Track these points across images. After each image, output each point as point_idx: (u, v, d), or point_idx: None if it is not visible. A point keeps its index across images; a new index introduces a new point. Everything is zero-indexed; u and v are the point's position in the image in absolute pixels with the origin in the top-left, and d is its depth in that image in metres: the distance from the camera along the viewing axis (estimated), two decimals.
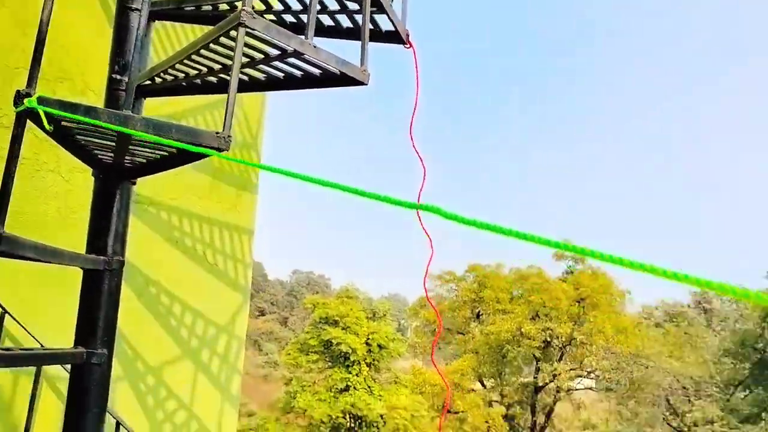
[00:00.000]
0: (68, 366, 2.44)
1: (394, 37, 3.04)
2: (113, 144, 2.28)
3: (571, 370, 24.80)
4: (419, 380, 24.20)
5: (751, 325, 25.38)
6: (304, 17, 3.01)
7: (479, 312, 26.79)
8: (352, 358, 20.53)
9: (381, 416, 18.80)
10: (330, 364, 22.29)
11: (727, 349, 25.54)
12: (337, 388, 20.82)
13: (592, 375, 26.34)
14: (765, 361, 23.61)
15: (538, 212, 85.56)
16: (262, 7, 3.01)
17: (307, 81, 2.68)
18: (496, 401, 25.85)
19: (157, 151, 2.35)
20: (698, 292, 30.43)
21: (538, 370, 24.83)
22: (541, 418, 25.86)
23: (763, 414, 22.04)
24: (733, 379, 25.18)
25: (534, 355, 25.03)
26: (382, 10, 2.92)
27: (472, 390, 24.89)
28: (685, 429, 23.83)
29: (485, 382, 26.06)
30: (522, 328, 23.82)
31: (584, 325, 24.27)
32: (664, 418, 25.05)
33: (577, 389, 26.96)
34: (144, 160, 2.46)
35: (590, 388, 28.18)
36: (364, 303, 28.36)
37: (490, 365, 25.25)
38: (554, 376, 24.19)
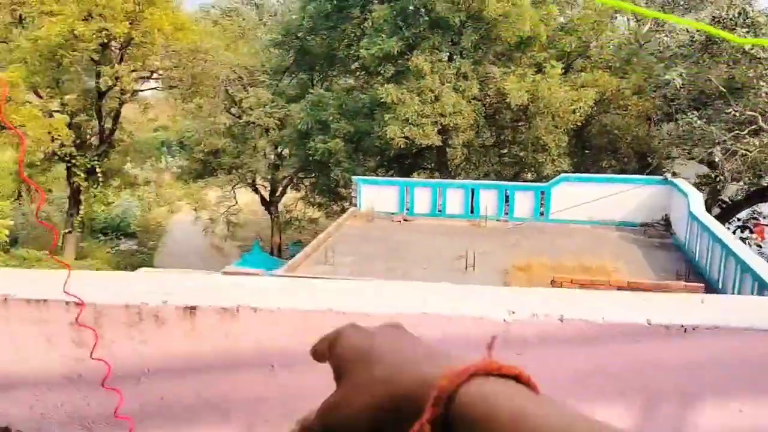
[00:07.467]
0: None
1: None
2: None
3: (133, 71, 24.74)
4: None
5: (294, 17, 28.26)
6: None
7: (21, 15, 24.54)
8: None
9: None
10: None
11: (274, 40, 28.27)
12: None
13: (156, 75, 27.28)
14: (304, 49, 26.71)
15: None
16: None
17: None
18: (58, 111, 24.45)
19: None
20: None
21: (98, 74, 23.69)
22: (109, 123, 26.33)
23: (306, 95, 25.47)
24: (280, 66, 28.64)
25: (92, 59, 23.79)
26: None
27: (28, 102, 22.81)
28: (243, 114, 26.74)
29: (41, 93, 24.48)
30: (75, 31, 21.84)
31: (141, 23, 23.50)
32: (224, 107, 27.71)
33: (142, 90, 27.97)
34: None
35: (155, 88, 29.49)
36: None
37: (44, 74, 23.51)
38: (117, 79, 23.54)
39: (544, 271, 12.87)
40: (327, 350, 0.54)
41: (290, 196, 30.11)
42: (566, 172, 20.08)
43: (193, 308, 1.76)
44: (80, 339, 1.77)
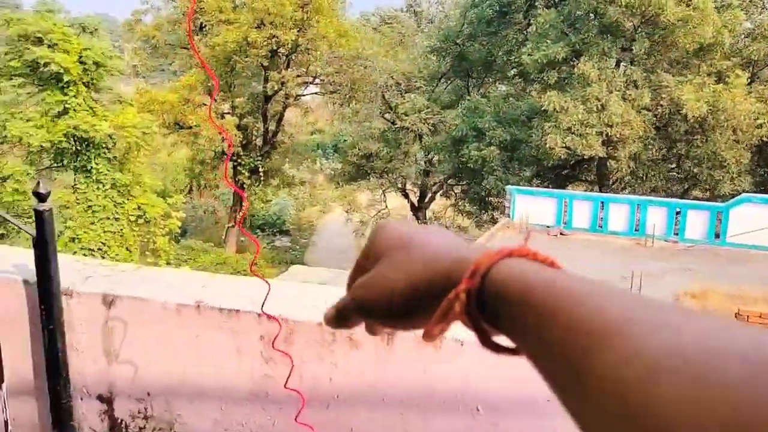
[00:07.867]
0: None
1: None
2: None
3: (298, 77, 26.01)
4: (146, 99, 23.73)
5: (453, 23, 28.52)
6: None
7: (202, 23, 25.88)
8: (66, 79, 17.90)
9: (110, 136, 17.80)
10: (40, 87, 19.11)
11: (432, 46, 28.29)
12: (53, 112, 18.32)
13: (317, 80, 28.44)
14: (462, 55, 26.83)
15: None
16: None
17: None
18: (228, 113, 26.44)
19: None
20: None
21: (266, 79, 25.30)
22: (272, 126, 27.75)
23: (460, 101, 25.77)
24: (436, 72, 28.52)
25: (262, 65, 25.27)
26: None
27: (203, 104, 24.65)
28: (398, 119, 26.44)
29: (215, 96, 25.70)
30: (248, 38, 23.43)
31: (308, 30, 24.51)
32: (380, 113, 27.88)
33: (304, 95, 29.67)
34: None
35: (316, 93, 30.49)
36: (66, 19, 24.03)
37: (219, 78, 24.90)
38: (282, 83, 24.98)
39: (721, 300, 11.69)
40: (368, 249, 0.54)
41: (439, 203, 30.19)
42: (747, 191, 18.33)
43: (390, 334, 1.56)
44: (269, 355, 1.66)
